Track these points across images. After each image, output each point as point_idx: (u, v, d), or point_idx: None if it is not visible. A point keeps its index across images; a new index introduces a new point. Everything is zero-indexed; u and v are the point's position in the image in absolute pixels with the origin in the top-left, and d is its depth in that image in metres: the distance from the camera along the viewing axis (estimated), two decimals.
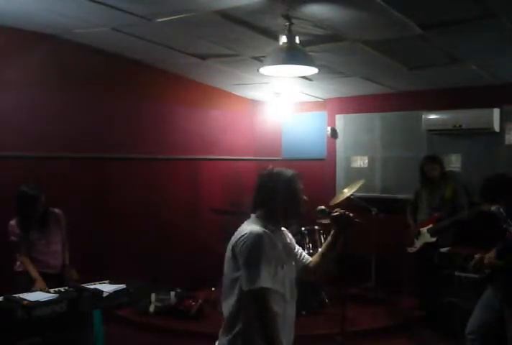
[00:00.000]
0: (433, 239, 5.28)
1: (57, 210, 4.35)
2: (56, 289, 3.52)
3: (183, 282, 5.87)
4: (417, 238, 5.45)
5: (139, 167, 5.90)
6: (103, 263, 5.24)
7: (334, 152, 6.92)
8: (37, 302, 3.16)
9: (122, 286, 3.66)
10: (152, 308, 5.43)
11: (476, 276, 3.93)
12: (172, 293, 5.55)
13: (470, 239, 4.78)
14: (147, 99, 5.91)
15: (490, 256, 3.39)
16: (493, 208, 3.21)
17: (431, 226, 5.34)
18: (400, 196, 6.18)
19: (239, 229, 2.36)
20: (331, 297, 5.72)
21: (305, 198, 2.43)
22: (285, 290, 2.34)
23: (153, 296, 5.48)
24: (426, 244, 5.35)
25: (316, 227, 5.63)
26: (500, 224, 3.10)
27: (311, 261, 2.55)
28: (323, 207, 2.54)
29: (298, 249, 2.56)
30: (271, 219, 2.37)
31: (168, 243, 6.06)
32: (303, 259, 2.55)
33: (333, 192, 6.67)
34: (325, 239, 5.71)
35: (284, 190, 2.37)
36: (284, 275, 2.33)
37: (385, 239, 6.03)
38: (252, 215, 2.42)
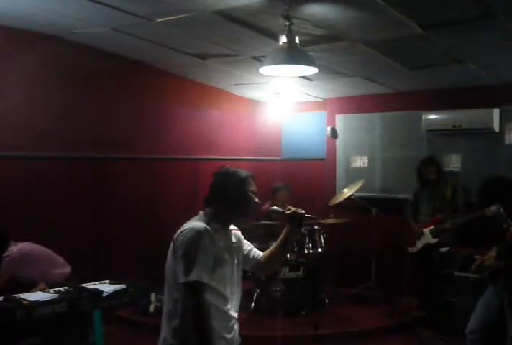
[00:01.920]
0: (435, 240, 5.29)
1: (6, 258, 4.03)
2: (56, 289, 3.52)
3: None
4: (418, 239, 5.46)
5: (139, 167, 5.90)
6: (103, 263, 5.24)
7: (334, 152, 6.92)
8: (37, 302, 3.16)
9: (122, 286, 3.66)
10: (152, 308, 5.43)
11: (476, 276, 3.94)
12: None
13: (470, 239, 4.78)
14: (147, 99, 5.91)
15: (491, 257, 3.40)
16: (493, 208, 3.21)
17: (432, 227, 5.35)
18: (400, 196, 6.17)
19: (184, 225, 2.40)
20: (331, 297, 5.73)
21: (256, 200, 2.46)
22: (224, 288, 2.35)
23: (153, 296, 5.49)
24: (427, 244, 5.36)
25: (316, 227, 5.63)
26: (500, 224, 3.10)
27: (262, 257, 2.59)
28: (275, 207, 2.63)
29: (247, 246, 2.59)
30: (216, 217, 2.40)
31: (168, 243, 6.04)
32: (254, 255, 2.58)
33: (333, 192, 6.67)
34: (325, 239, 5.74)
35: (233, 190, 2.40)
36: (223, 273, 2.35)
37: (385, 239, 6.04)
38: (200, 212, 2.47)
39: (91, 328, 3.57)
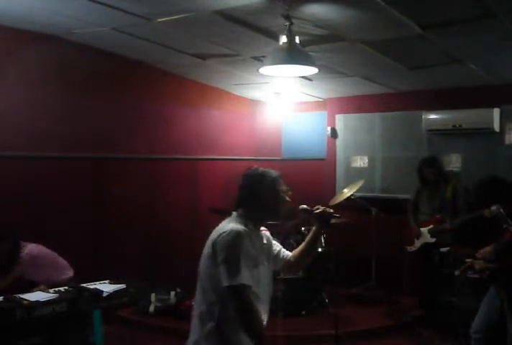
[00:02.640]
0: (433, 240, 5.30)
1: (22, 257, 4.07)
2: (56, 289, 3.52)
3: (183, 282, 5.86)
4: (417, 238, 5.46)
5: (139, 167, 5.90)
6: (103, 263, 5.24)
7: (334, 151, 6.92)
8: (37, 302, 3.16)
9: (122, 286, 3.66)
10: (152, 308, 5.43)
11: (476, 276, 3.93)
12: (172, 293, 5.55)
13: (470, 239, 4.78)
14: (147, 99, 5.91)
15: (484, 255, 3.41)
16: (493, 208, 3.21)
17: (431, 226, 5.35)
18: (400, 196, 6.17)
19: (220, 226, 2.38)
20: (331, 297, 5.73)
21: (288, 199, 2.47)
22: (258, 289, 2.34)
23: (153, 296, 5.49)
24: (426, 244, 5.36)
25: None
26: (500, 224, 3.10)
27: (291, 256, 2.60)
28: (305, 206, 2.60)
29: (276, 247, 2.60)
30: (251, 219, 2.40)
31: (168, 243, 6.06)
32: (283, 256, 2.59)
33: (333, 192, 6.67)
34: (325, 239, 5.75)
35: (266, 190, 2.40)
36: (258, 275, 2.35)
37: (385, 239, 6.04)
38: (234, 213, 2.45)
39: (91, 328, 3.56)
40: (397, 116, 6.41)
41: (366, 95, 6.62)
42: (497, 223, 3.22)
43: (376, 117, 6.56)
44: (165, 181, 6.18)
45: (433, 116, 5.96)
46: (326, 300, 5.66)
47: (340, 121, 6.86)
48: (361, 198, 6.18)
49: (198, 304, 2.39)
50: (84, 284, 3.63)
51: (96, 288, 3.52)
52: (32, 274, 4.07)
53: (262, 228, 2.53)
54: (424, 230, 5.40)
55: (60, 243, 4.41)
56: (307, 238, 2.61)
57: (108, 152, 5.56)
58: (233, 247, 2.22)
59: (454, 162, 5.98)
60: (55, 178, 4.97)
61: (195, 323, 2.39)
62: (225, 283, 2.20)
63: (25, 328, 3.08)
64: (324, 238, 5.74)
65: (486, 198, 3.46)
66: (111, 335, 4.21)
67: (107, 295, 3.48)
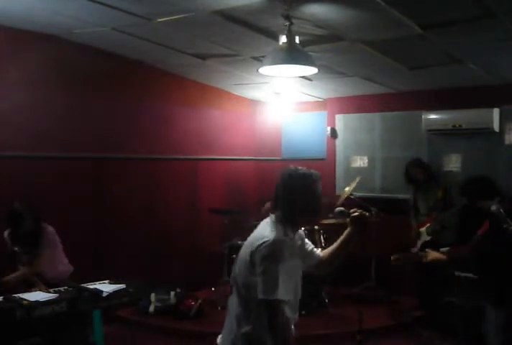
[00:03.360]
0: (428, 238, 5.34)
1: (50, 229, 4.29)
2: (56, 289, 3.52)
3: (183, 282, 5.87)
4: (419, 239, 5.49)
5: (139, 167, 5.90)
6: (103, 263, 5.24)
7: (334, 151, 6.92)
8: (37, 302, 3.15)
9: (122, 286, 3.65)
10: (152, 308, 5.43)
11: (476, 276, 3.92)
12: (172, 293, 5.54)
13: (470, 239, 4.77)
14: (147, 99, 5.91)
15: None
16: (493, 208, 3.20)
17: (428, 225, 5.40)
18: (400, 196, 6.17)
19: (259, 232, 2.32)
20: (331, 297, 5.72)
21: (323, 199, 2.41)
22: (292, 297, 2.31)
23: (153, 296, 5.48)
24: (426, 244, 5.36)
25: (316, 227, 5.63)
26: (500, 224, 3.09)
27: (323, 256, 2.57)
28: (342, 208, 2.57)
29: (309, 246, 2.55)
30: (290, 222, 2.33)
31: (168, 243, 6.06)
32: (315, 255, 2.56)
33: (333, 192, 6.67)
34: (325, 239, 5.74)
35: (307, 193, 2.34)
36: (295, 283, 2.33)
37: (385, 239, 6.03)
38: (272, 216, 2.37)
39: (91, 328, 3.56)
40: (397, 116, 6.41)
41: (366, 95, 6.62)
42: (497, 223, 3.21)
43: (376, 117, 6.56)
44: (165, 181, 6.18)
45: (433, 116, 5.96)
46: (326, 300, 5.66)
47: (340, 121, 6.86)
48: (361, 198, 6.17)
49: (234, 305, 2.34)
50: (84, 284, 3.63)
51: (95, 288, 3.52)
52: (47, 257, 4.19)
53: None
54: (422, 230, 5.46)
55: (60, 243, 4.41)
56: (340, 239, 2.55)
57: (108, 152, 5.55)
58: (273, 260, 2.16)
59: (454, 162, 5.98)
60: (55, 178, 4.97)
61: (231, 322, 2.34)
62: (261, 296, 2.15)
63: (25, 328, 3.08)
64: (324, 238, 5.74)
65: (472, 194, 3.47)
66: (111, 335, 4.20)
67: (107, 295, 3.47)
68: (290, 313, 2.30)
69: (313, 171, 2.40)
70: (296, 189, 2.33)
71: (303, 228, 2.49)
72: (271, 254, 2.16)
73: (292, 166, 2.42)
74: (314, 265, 2.56)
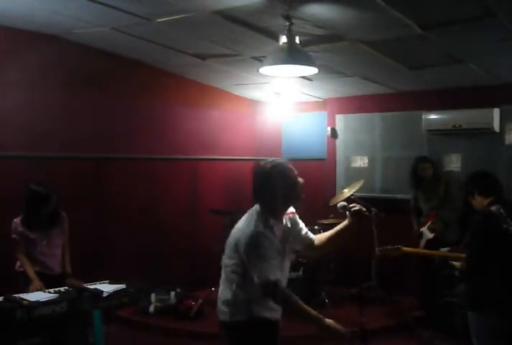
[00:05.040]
0: (431, 235, 5.33)
1: (63, 213, 4.34)
2: (56, 289, 3.53)
3: (183, 282, 5.87)
4: (421, 238, 5.49)
5: (139, 167, 5.90)
6: (103, 263, 5.24)
7: (334, 152, 6.92)
8: (37, 302, 3.16)
9: (122, 286, 3.66)
10: (152, 308, 5.43)
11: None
12: (172, 293, 5.55)
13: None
14: (147, 99, 5.91)
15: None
16: (493, 208, 3.20)
17: (429, 223, 5.39)
18: (400, 196, 6.18)
19: (241, 224, 2.60)
20: (331, 297, 5.72)
21: (301, 180, 2.64)
22: (281, 277, 2.54)
23: (153, 296, 5.49)
24: (430, 242, 5.37)
25: (316, 227, 5.63)
26: (500, 224, 3.09)
27: (316, 240, 2.81)
28: (345, 203, 2.76)
29: (302, 229, 2.78)
30: (269, 211, 2.57)
31: (168, 243, 6.06)
32: (308, 236, 2.79)
33: (333, 192, 6.67)
34: None
35: (287, 180, 2.58)
36: (281, 263, 2.55)
37: (385, 239, 6.02)
38: (255, 206, 2.61)
39: (91, 328, 3.56)
40: (397, 116, 6.41)
41: (366, 95, 6.62)
42: (497, 223, 3.20)
43: (376, 117, 6.56)
44: (165, 181, 6.18)
45: (433, 116, 5.96)
46: (326, 300, 5.66)
47: (340, 121, 6.86)
48: (361, 198, 6.16)
49: (223, 293, 2.66)
50: (84, 284, 3.63)
51: (96, 288, 3.52)
52: (57, 235, 4.26)
53: (290, 210, 2.72)
54: (424, 229, 5.44)
55: None
56: (335, 229, 2.77)
57: (108, 152, 5.56)
58: (257, 249, 2.44)
59: (454, 162, 5.98)
60: (55, 178, 4.96)
61: (223, 283, 2.67)
62: (257, 281, 2.42)
63: (25, 328, 3.08)
64: None
65: (473, 188, 3.45)
66: (111, 335, 4.20)
67: (107, 295, 3.48)
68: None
69: (279, 159, 2.70)
70: (278, 180, 2.56)
71: (353, 223, 2.71)
72: (254, 244, 2.44)
73: (261, 161, 2.64)
74: (305, 246, 2.80)
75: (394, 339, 5.00)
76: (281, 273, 2.53)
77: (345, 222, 2.73)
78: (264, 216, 2.54)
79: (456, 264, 3.61)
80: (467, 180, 3.57)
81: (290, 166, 2.64)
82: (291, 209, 2.77)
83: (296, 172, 2.64)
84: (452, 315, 4.58)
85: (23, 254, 4.09)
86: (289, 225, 2.69)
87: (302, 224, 2.81)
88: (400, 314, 5.53)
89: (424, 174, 5.51)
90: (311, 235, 2.82)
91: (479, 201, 3.37)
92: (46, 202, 4.07)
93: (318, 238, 2.82)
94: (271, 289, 2.42)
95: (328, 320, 2.49)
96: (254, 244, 2.44)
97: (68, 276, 4.22)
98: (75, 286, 3.71)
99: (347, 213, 2.71)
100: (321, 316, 2.50)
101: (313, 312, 2.50)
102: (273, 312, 2.62)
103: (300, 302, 2.48)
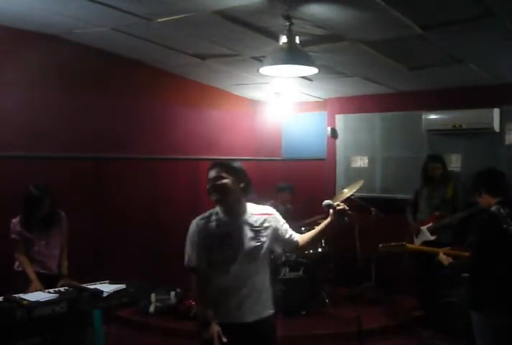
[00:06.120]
0: (433, 238, 5.31)
1: (62, 213, 4.34)
2: (56, 289, 3.52)
3: (183, 282, 5.86)
4: (416, 237, 5.47)
5: (139, 167, 5.90)
6: (103, 263, 5.24)
7: (334, 152, 6.91)
8: (37, 302, 3.15)
9: (122, 286, 3.66)
10: (152, 308, 5.43)
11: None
12: (172, 293, 5.55)
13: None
14: (147, 99, 5.91)
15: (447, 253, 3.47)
16: (493, 208, 3.19)
17: (431, 224, 5.37)
18: (400, 196, 6.17)
19: None
20: (331, 297, 5.72)
21: (208, 187, 2.77)
22: (227, 266, 2.65)
23: (153, 296, 5.49)
24: (426, 243, 5.36)
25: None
26: (500, 224, 3.08)
27: (301, 240, 2.88)
28: (330, 201, 2.82)
29: (285, 231, 2.85)
30: (223, 205, 2.76)
31: (168, 243, 6.05)
32: (293, 240, 2.87)
33: (333, 192, 6.66)
34: (325, 239, 5.74)
35: (245, 176, 2.83)
36: (224, 255, 2.67)
37: (384, 239, 6.02)
38: None
39: (91, 328, 3.56)
40: (397, 116, 6.41)
41: (366, 95, 6.62)
42: (497, 223, 3.20)
43: (376, 117, 6.56)
44: (165, 181, 6.18)
45: (433, 116, 5.95)
46: (326, 300, 5.66)
47: (340, 121, 6.86)
48: (361, 198, 6.17)
49: None
50: (84, 285, 3.63)
51: (96, 288, 3.52)
52: (55, 235, 4.26)
53: (264, 211, 2.82)
54: (423, 228, 5.42)
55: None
56: (318, 228, 2.85)
57: (108, 152, 5.56)
58: (188, 236, 2.77)
59: (454, 162, 5.98)
60: (55, 178, 4.96)
61: None
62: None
63: (25, 328, 3.08)
64: (324, 238, 5.74)
65: (481, 186, 3.41)
66: (111, 335, 4.20)
67: (107, 295, 3.48)
68: (225, 281, 2.66)
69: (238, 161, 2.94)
70: (243, 175, 2.79)
71: (304, 228, 2.81)
72: (189, 231, 2.79)
73: (219, 161, 2.89)
74: (292, 248, 2.93)
75: (394, 339, 5.00)
76: (221, 264, 2.65)
77: (328, 220, 2.79)
78: (212, 210, 2.78)
79: (443, 259, 3.59)
80: (476, 177, 3.50)
81: (211, 169, 2.82)
82: (268, 210, 2.85)
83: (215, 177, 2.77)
84: (452, 315, 4.58)
85: (23, 254, 4.09)
86: (259, 224, 2.75)
87: (285, 227, 2.86)
88: (400, 314, 5.53)
89: (433, 173, 5.48)
90: (295, 237, 2.88)
91: (486, 200, 3.34)
92: (38, 204, 4.09)
93: (302, 238, 2.89)
94: (188, 274, 2.68)
95: (211, 328, 2.56)
96: (189, 231, 2.77)
97: (63, 276, 4.22)
98: (72, 286, 3.72)
99: (331, 211, 2.75)
100: (210, 320, 2.59)
101: (205, 311, 2.63)
102: (225, 314, 2.66)
103: (199, 299, 2.72)
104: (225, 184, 2.71)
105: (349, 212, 2.76)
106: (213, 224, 2.73)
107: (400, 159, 6.36)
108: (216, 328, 2.55)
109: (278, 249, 2.92)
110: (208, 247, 2.68)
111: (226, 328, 2.58)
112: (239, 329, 2.65)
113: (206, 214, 2.79)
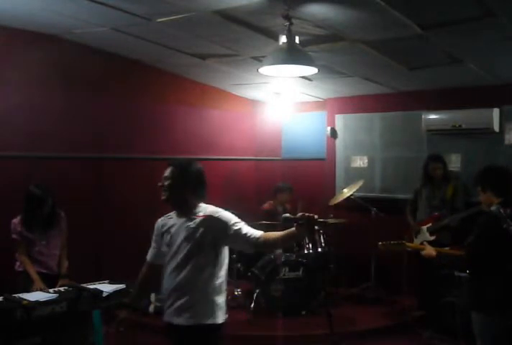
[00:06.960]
0: (432, 238, 5.30)
1: (62, 213, 4.35)
2: (56, 289, 3.52)
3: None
4: (416, 237, 5.47)
5: (139, 167, 5.89)
6: (103, 263, 5.24)
7: (334, 152, 6.91)
8: (37, 302, 3.15)
9: (122, 286, 3.66)
10: (152, 308, 5.43)
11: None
12: None
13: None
14: (147, 99, 5.91)
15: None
16: (493, 208, 3.19)
17: (430, 224, 5.37)
18: (400, 196, 6.17)
19: None
20: (331, 297, 5.72)
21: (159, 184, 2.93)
22: (168, 265, 2.82)
23: (153, 296, 5.48)
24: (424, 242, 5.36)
25: (316, 227, 5.62)
26: (500, 224, 3.08)
27: (262, 237, 2.68)
28: (288, 215, 2.63)
29: (238, 231, 2.72)
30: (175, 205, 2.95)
31: None
32: (250, 237, 2.69)
33: (333, 192, 6.67)
34: (325, 239, 5.75)
35: (200, 179, 3.06)
36: (167, 253, 2.83)
37: (384, 239, 6.02)
38: None
39: (91, 328, 3.56)
40: (397, 116, 6.41)
41: (366, 95, 6.62)
42: (496, 223, 3.20)
43: (376, 117, 6.56)
44: None
45: (433, 116, 5.96)
46: (326, 300, 5.65)
47: (340, 121, 6.86)
48: (361, 198, 6.18)
49: None
50: (84, 284, 3.63)
51: (95, 288, 3.52)
52: (56, 235, 4.29)
53: (206, 213, 2.82)
54: (423, 228, 5.42)
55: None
56: (282, 234, 2.63)
57: (109, 152, 5.56)
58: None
59: (454, 162, 5.98)
60: (55, 178, 4.96)
61: None
62: None
63: (25, 328, 3.08)
64: (324, 238, 5.74)
65: (485, 183, 3.37)
66: (111, 335, 4.20)
67: (107, 295, 3.48)
68: (167, 273, 2.83)
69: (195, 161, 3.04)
70: (192, 177, 2.92)
71: (303, 234, 2.64)
72: None
73: (180, 159, 3.02)
74: (250, 246, 2.70)
75: (394, 339, 5.00)
76: (170, 259, 2.78)
77: (293, 231, 2.57)
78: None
79: (427, 253, 3.56)
80: (483, 172, 3.42)
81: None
82: (212, 211, 2.81)
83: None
84: (452, 315, 4.58)
85: (24, 254, 4.10)
86: (195, 226, 2.77)
87: (237, 226, 2.72)
88: (400, 314, 5.53)
89: (434, 173, 5.47)
90: (253, 235, 2.68)
91: (489, 197, 3.31)
92: (41, 204, 4.11)
93: (265, 236, 2.68)
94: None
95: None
96: None
97: (62, 276, 4.22)
98: (72, 286, 3.72)
99: (294, 224, 2.54)
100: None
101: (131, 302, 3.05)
102: (166, 311, 2.84)
103: (134, 292, 3.10)
104: (169, 185, 2.85)
105: (320, 220, 2.56)
106: (168, 222, 2.92)
107: (400, 159, 6.36)
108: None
109: (241, 248, 2.86)
110: (157, 244, 2.94)
111: (167, 327, 2.81)
112: (171, 329, 2.78)
113: (170, 213, 2.97)
